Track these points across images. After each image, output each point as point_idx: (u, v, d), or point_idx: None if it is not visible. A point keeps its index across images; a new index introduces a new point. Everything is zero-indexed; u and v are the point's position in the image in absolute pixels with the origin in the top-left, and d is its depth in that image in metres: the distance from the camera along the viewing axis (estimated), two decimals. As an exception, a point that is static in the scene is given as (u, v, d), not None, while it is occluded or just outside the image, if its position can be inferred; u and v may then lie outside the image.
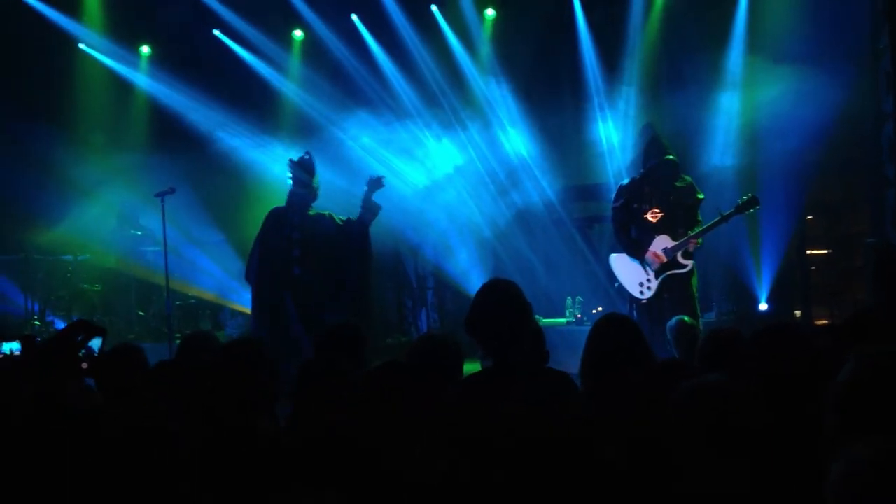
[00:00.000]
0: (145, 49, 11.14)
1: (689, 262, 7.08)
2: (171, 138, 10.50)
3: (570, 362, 3.76)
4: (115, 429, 2.51)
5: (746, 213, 7.10)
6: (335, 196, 8.73)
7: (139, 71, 11.11)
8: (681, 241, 7.04)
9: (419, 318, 11.27)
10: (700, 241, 7.08)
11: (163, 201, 8.05)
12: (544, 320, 9.18)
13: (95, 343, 3.67)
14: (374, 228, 10.24)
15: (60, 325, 10.10)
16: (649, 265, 7.12)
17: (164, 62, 10.90)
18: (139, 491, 2.30)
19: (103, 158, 10.48)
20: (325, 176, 8.02)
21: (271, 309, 7.47)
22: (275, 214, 7.65)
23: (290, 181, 7.59)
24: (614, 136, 10.16)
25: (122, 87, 11.11)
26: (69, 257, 10.17)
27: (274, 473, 2.28)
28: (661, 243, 7.10)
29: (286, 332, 7.33)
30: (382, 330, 10.44)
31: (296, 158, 7.65)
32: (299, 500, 1.67)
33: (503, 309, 3.38)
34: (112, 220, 10.45)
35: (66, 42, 10.80)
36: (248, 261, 7.80)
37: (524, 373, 3.25)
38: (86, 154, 10.42)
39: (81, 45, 10.90)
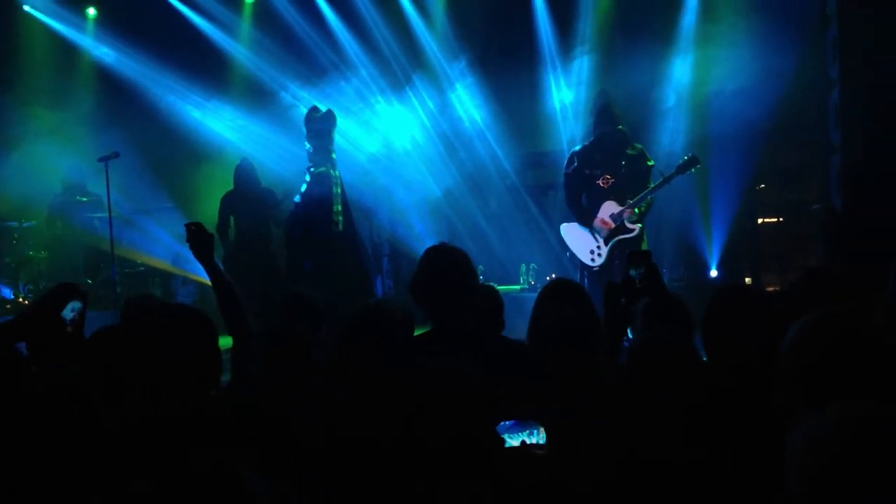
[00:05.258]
0: (91, 11, 10.88)
1: (637, 226, 7.08)
2: (119, 102, 10.30)
3: (523, 329, 3.75)
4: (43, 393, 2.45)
5: (688, 172, 7.07)
6: (286, 160, 8.63)
7: (85, 34, 10.85)
8: (625, 207, 7.04)
9: (374, 286, 11.22)
10: (642, 207, 7.08)
11: (107, 166, 7.90)
12: (498, 287, 9.17)
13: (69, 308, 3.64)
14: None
15: (6, 291, 9.92)
16: (598, 232, 7.14)
17: (111, 24, 10.65)
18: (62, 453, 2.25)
19: (46, 120, 10.24)
20: (275, 140, 7.92)
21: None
22: (322, 173, 7.56)
23: (323, 135, 7.58)
24: (569, 103, 10.14)
25: (68, 50, 10.86)
26: (14, 224, 9.96)
27: (202, 434, 2.26)
28: (608, 209, 7.10)
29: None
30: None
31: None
32: (221, 455, 1.67)
33: (445, 274, 3.34)
34: (57, 185, 10.25)
35: (9, 3, 10.52)
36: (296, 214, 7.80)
37: (464, 340, 3.20)
38: (28, 115, 10.18)
39: (26, 7, 10.63)
